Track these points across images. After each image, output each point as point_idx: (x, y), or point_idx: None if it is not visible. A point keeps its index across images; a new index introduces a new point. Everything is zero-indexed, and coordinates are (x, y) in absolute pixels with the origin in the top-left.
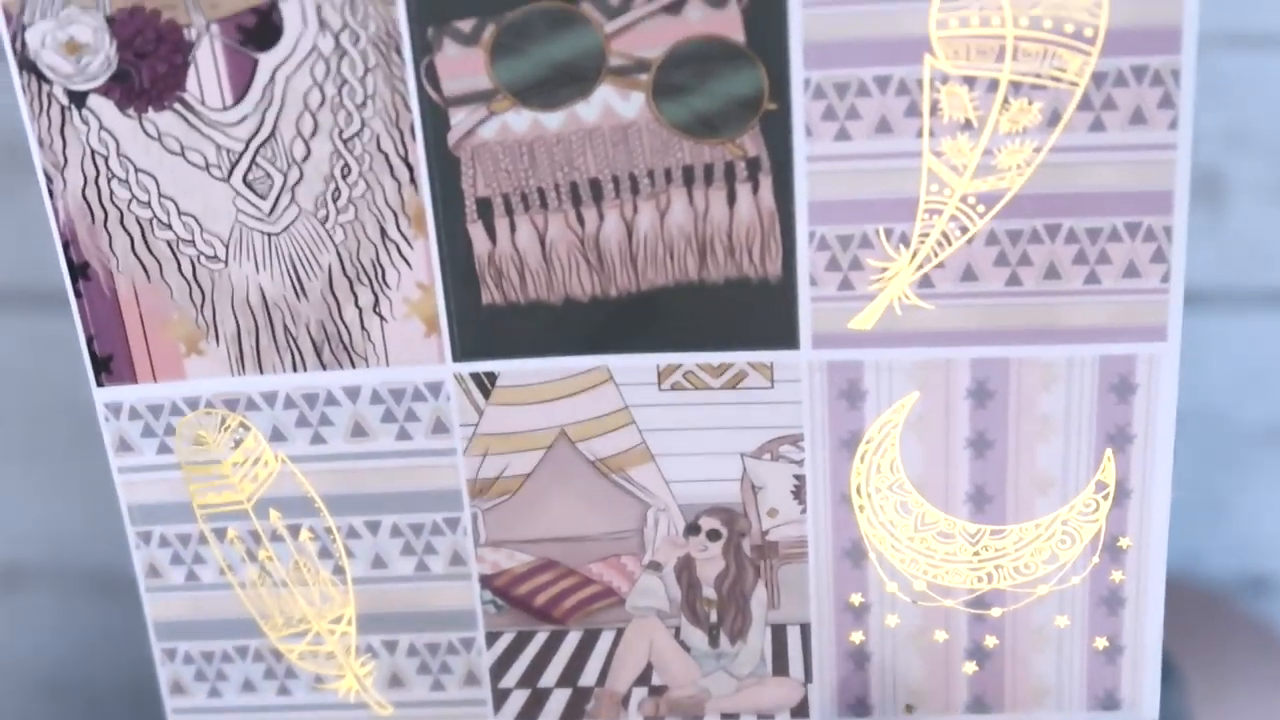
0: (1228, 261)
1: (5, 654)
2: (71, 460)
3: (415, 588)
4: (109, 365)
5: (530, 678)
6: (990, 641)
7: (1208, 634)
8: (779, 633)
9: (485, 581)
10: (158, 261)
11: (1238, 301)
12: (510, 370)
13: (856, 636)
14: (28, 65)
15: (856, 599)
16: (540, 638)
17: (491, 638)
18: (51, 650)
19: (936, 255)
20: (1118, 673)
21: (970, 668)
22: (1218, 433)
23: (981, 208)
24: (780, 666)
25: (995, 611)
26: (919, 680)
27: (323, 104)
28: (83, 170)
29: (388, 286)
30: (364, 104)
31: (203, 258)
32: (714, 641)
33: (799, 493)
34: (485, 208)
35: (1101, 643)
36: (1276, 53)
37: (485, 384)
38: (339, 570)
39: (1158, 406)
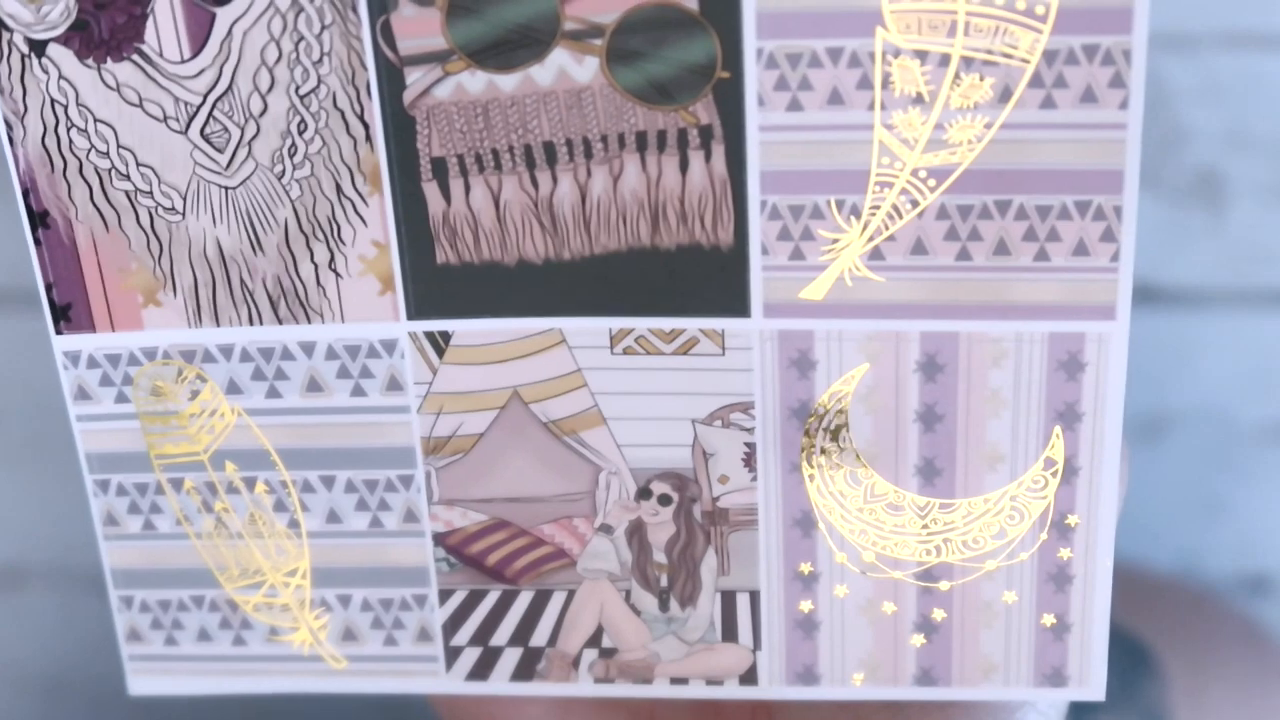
0: (1228, 261)
1: (5, 654)
2: (72, 460)
3: (369, 543)
4: (68, 314)
5: (482, 636)
6: (938, 615)
7: (1191, 629)
8: (728, 599)
9: (438, 539)
10: (116, 212)
11: (1238, 301)
12: (464, 330)
13: (805, 605)
14: None
15: (806, 568)
16: (492, 597)
17: (444, 595)
18: (51, 650)
19: (887, 228)
20: (1065, 650)
21: (918, 640)
22: (1218, 433)
23: (932, 181)
24: (730, 632)
25: (943, 585)
26: (867, 651)
27: (279, 60)
28: (42, 118)
29: (343, 243)
30: (320, 61)
31: (160, 209)
32: (664, 606)
33: (749, 460)
34: (440, 167)
35: (1049, 619)
36: (1276, 53)
37: (439, 343)
38: (294, 524)
39: (1107, 385)
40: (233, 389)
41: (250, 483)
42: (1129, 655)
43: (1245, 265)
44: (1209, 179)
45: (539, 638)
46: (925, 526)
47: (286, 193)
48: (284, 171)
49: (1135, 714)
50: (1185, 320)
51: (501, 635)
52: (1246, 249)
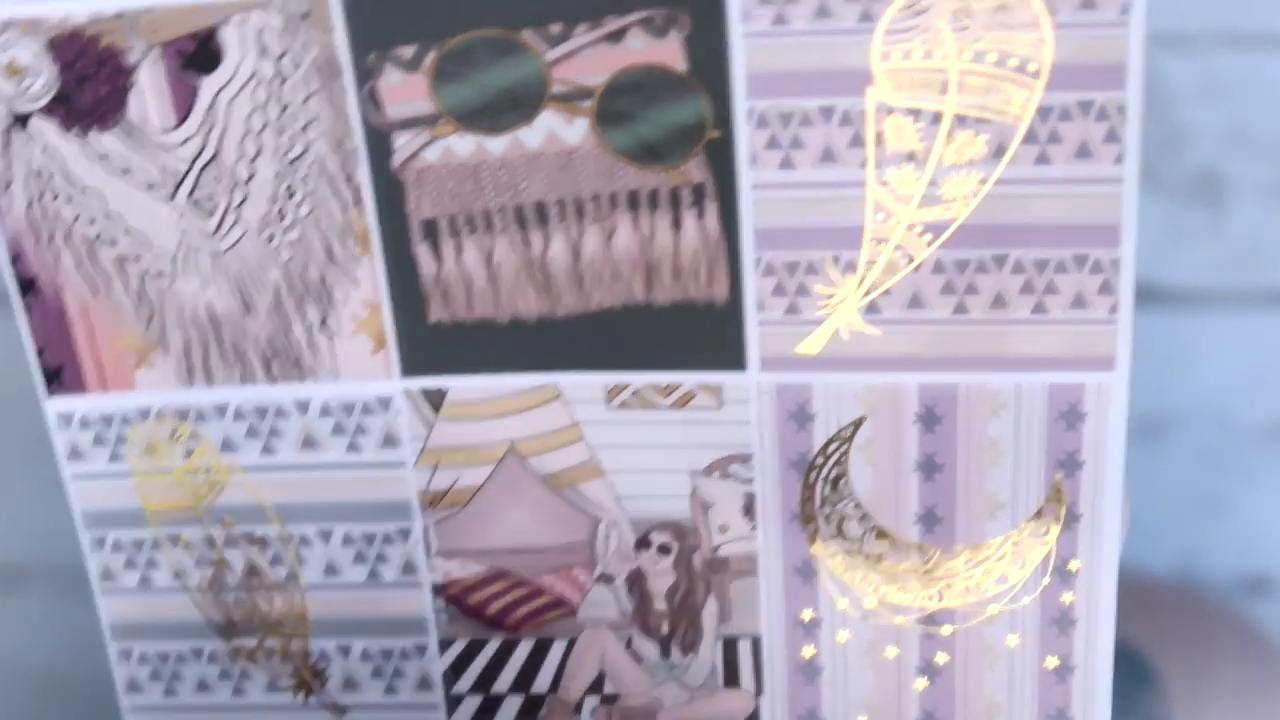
0: (1228, 261)
1: (5, 654)
2: None
3: (368, 595)
4: (59, 376)
5: (483, 684)
6: (941, 658)
7: (1189, 635)
8: (730, 645)
9: (437, 590)
10: (105, 277)
11: (1238, 301)
12: (459, 386)
13: (807, 651)
14: None
15: (807, 614)
16: (493, 646)
17: (444, 644)
18: (51, 650)
19: (883, 282)
20: (1068, 691)
21: (921, 683)
22: (1218, 433)
23: (928, 236)
24: (731, 678)
25: (946, 630)
26: (870, 694)
27: (265, 127)
28: (27, 189)
29: (335, 304)
30: (307, 127)
31: (150, 274)
32: (665, 652)
33: (749, 510)
34: (431, 229)
35: (1052, 662)
36: (1277, 53)
37: (435, 399)
38: (292, 576)
39: (1106, 434)
40: (228, 446)
41: (247, 536)
42: (1126, 665)
43: (1245, 265)
44: (1209, 179)
45: (540, 685)
46: (927, 573)
47: (277, 256)
48: (273, 236)
49: None
50: (1185, 320)
51: (503, 683)
52: (1247, 249)
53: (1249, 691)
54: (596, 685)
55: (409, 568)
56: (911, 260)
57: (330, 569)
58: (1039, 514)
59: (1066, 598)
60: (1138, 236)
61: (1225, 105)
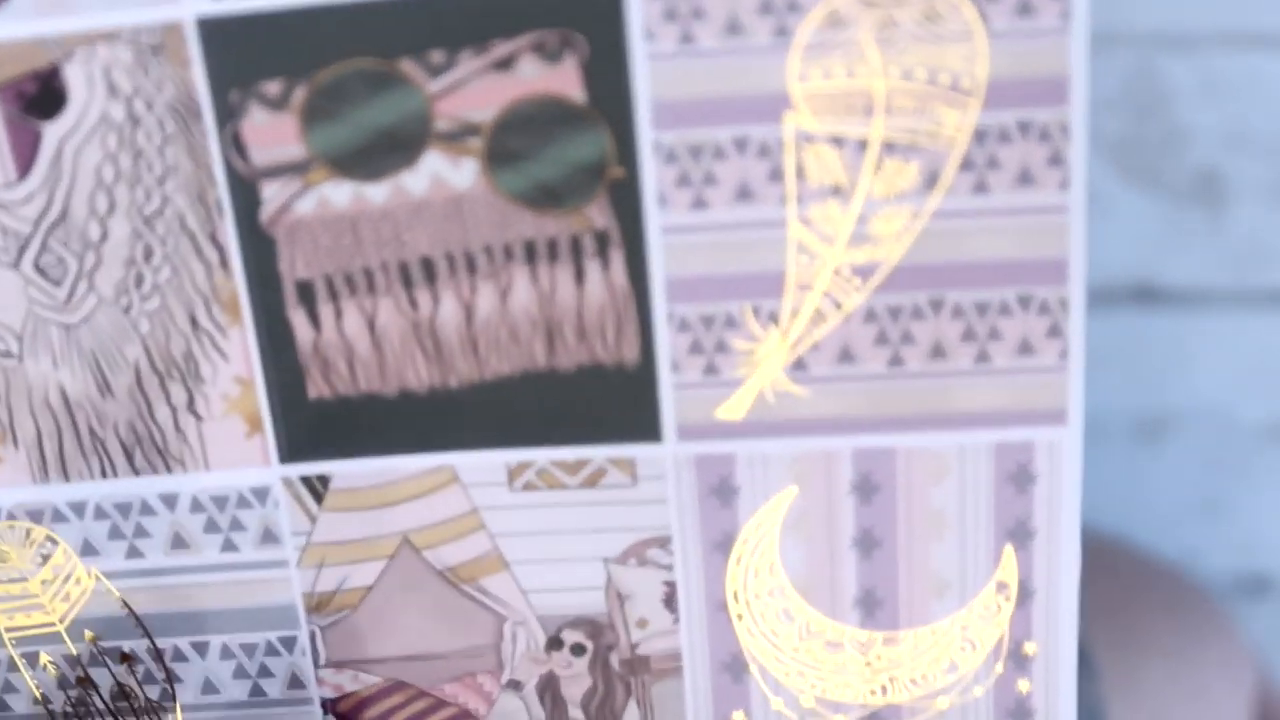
0: (1228, 261)
1: None
2: None
3: (251, 715)
4: None
5: None
6: None
7: (1118, 603)
8: None
9: (328, 706)
10: None
11: (1238, 301)
12: (344, 471)
13: None
14: None
15: (738, 717)
16: None
17: None
18: None
19: (810, 334)
20: None
21: None
22: (1218, 432)
23: (857, 280)
24: None
25: None
26: None
27: (118, 179)
28: None
29: (203, 381)
30: (164, 178)
31: None
32: None
33: (670, 601)
34: (306, 292)
35: None
36: (1276, 53)
37: (317, 487)
38: (166, 696)
39: (1060, 497)
40: (88, 550)
41: (114, 654)
42: None
43: (1245, 265)
44: (1209, 179)
45: None
46: (869, 664)
47: (135, 328)
48: (130, 304)
49: None
50: (1185, 320)
51: None
52: (1246, 249)
53: (1179, 648)
54: None
55: (295, 682)
56: (840, 308)
57: (208, 687)
58: (989, 590)
59: (1023, 686)
60: (1136, 237)
61: (1225, 105)
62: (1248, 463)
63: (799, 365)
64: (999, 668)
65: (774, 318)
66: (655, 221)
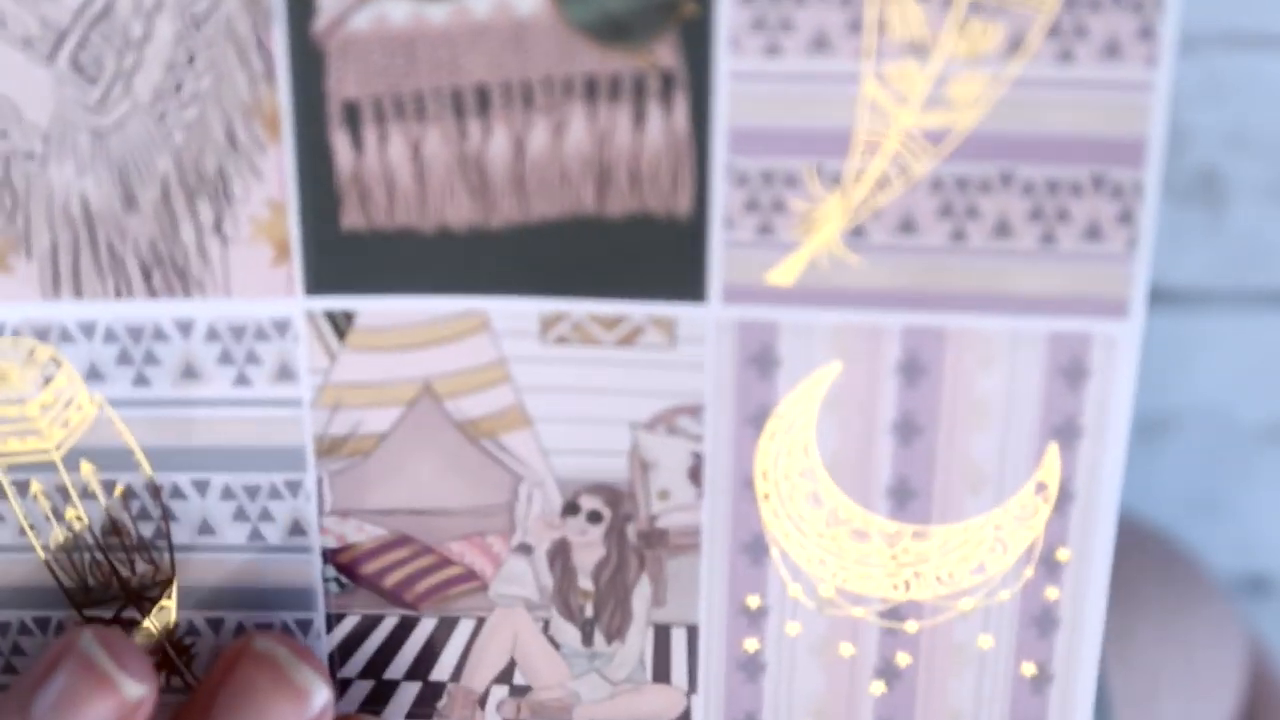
0: (1228, 261)
1: None
2: None
3: (247, 559)
4: None
5: (375, 668)
6: (903, 659)
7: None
8: (662, 634)
9: (329, 556)
10: None
11: (1238, 301)
12: (370, 309)
13: (751, 644)
14: None
15: (754, 601)
16: (389, 623)
17: (333, 620)
18: None
19: (873, 200)
20: (1044, 704)
21: (879, 688)
22: (1218, 432)
23: (928, 146)
24: (661, 672)
25: (911, 626)
26: (819, 698)
27: None
28: None
29: (233, 201)
30: None
31: (16, 154)
32: (588, 639)
33: (696, 473)
34: (352, 113)
35: (1029, 669)
36: (1276, 53)
37: (341, 323)
38: (160, 535)
39: (1112, 397)
40: (93, 375)
41: (109, 486)
42: None
43: (1245, 265)
44: (1209, 179)
45: (441, 671)
46: (894, 557)
47: (168, 139)
48: (166, 113)
49: None
50: (1185, 320)
51: (398, 668)
52: (1247, 249)
53: (1168, 613)
54: (506, 674)
55: (297, 528)
56: (906, 174)
57: (205, 528)
58: (1027, 490)
59: (1051, 594)
60: None
61: (1225, 105)
62: (1248, 462)
63: (858, 232)
64: (1028, 572)
65: (837, 179)
66: (725, 65)
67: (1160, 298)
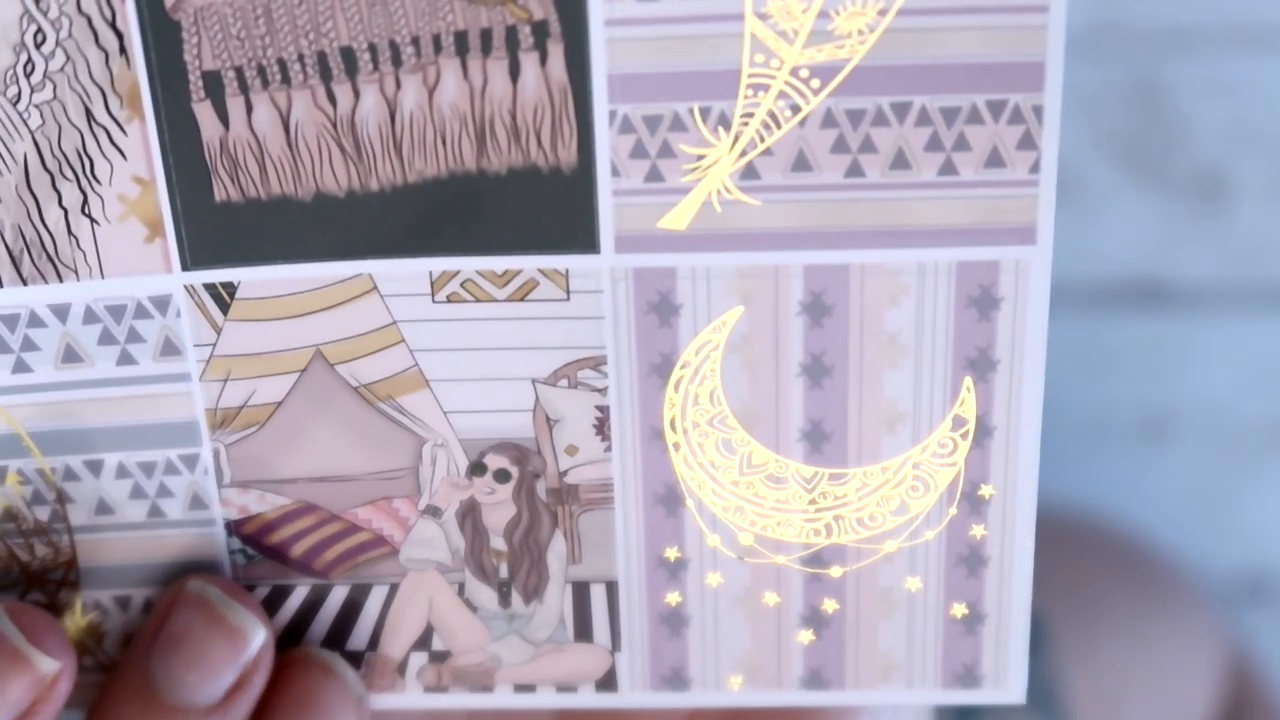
0: (1230, 260)
1: None
2: None
3: (149, 536)
4: None
5: (288, 639)
6: (829, 606)
7: (1075, 568)
8: (581, 592)
9: (232, 528)
10: None
11: (1240, 300)
12: (252, 279)
13: (672, 598)
14: None
15: (672, 553)
16: (300, 593)
17: None
18: None
19: (762, 139)
20: (978, 645)
21: (806, 636)
22: (1222, 432)
23: (816, 82)
24: (583, 631)
25: (835, 571)
26: (746, 650)
27: None
28: None
29: (98, 181)
30: None
31: None
32: (505, 600)
33: (602, 427)
34: (214, 83)
35: (960, 610)
36: (1278, 51)
37: (223, 296)
38: (56, 518)
39: (1026, 325)
40: None
41: (0, 473)
42: None
43: (1248, 264)
44: (1212, 177)
45: (357, 640)
46: (813, 502)
47: (24, 122)
48: (19, 95)
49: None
50: (1187, 319)
51: (312, 638)
52: (1250, 247)
53: (1139, 626)
54: (424, 640)
55: (197, 502)
56: (797, 112)
57: (102, 507)
58: (945, 427)
59: (977, 531)
60: (1139, 235)
61: (1229, 102)
62: (1252, 462)
63: (749, 173)
64: (952, 510)
65: (724, 121)
66: (599, 12)
67: (1162, 297)
